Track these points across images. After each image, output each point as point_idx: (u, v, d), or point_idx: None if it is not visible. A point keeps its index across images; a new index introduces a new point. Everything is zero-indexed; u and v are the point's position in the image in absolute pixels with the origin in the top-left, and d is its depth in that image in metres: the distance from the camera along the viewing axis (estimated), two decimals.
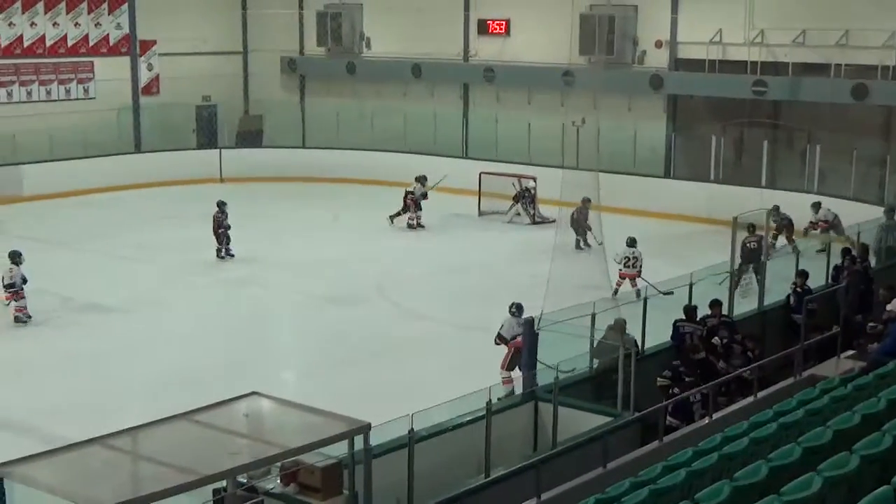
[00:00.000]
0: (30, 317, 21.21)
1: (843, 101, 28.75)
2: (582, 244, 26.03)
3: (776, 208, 24.82)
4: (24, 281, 21.21)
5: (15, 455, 9.59)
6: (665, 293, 17.45)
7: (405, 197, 29.75)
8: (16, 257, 21.44)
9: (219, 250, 25.64)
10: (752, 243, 21.77)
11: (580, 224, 25.75)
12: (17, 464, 9.43)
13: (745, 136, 31.90)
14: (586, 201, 24.58)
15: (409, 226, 29.49)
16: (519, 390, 15.74)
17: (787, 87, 29.73)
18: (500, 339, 17.27)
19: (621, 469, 11.50)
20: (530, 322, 15.44)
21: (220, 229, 25.62)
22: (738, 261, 19.59)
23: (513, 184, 30.87)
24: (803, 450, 9.24)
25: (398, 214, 29.73)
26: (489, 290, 23.55)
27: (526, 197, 30.44)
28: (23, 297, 21.22)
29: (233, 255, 25.74)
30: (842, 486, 8.21)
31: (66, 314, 21.86)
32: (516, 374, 16.48)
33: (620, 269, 22.44)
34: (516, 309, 17.26)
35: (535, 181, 30.39)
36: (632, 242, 22.88)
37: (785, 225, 25.69)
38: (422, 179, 29.73)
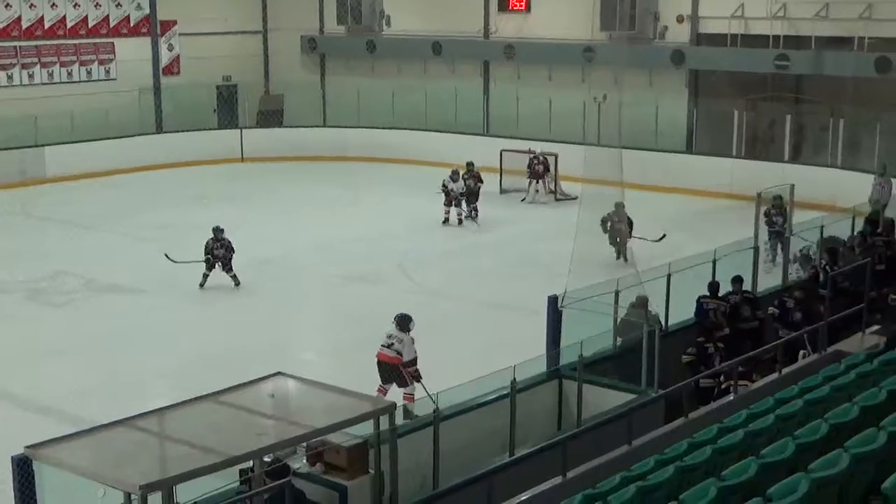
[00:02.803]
0: None
1: (867, 74, 28.57)
2: (623, 257, 22.64)
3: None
4: None
5: (42, 437, 9.64)
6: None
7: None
8: None
9: (205, 276, 22.20)
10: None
11: (619, 233, 22.79)
12: (44, 446, 9.48)
13: (768, 111, 31.73)
14: (620, 206, 22.02)
15: (459, 221, 27.46)
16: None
17: (810, 60, 29.53)
18: None
19: (647, 446, 11.47)
20: (554, 300, 15.40)
21: (208, 256, 22.23)
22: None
23: (529, 163, 30.45)
24: (830, 426, 9.20)
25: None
26: (512, 267, 23.55)
27: (535, 164, 30.12)
28: None
29: (238, 284, 22.43)
30: (869, 461, 8.18)
31: (90, 295, 21.96)
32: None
33: None
34: (397, 322, 15.55)
35: (555, 157, 30.29)
36: None
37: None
38: (455, 175, 27.49)
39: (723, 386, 13.88)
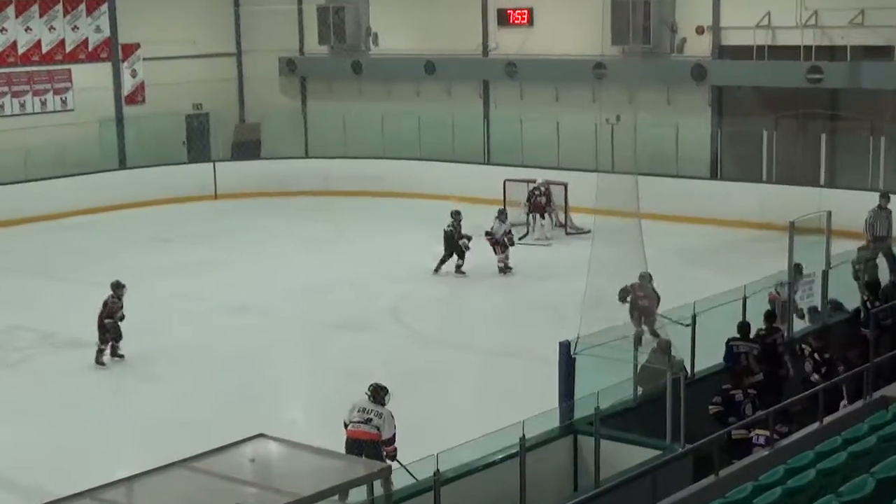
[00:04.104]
0: None
1: None
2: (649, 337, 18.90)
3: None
4: None
5: None
6: None
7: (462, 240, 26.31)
8: None
9: (100, 351, 20.62)
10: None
11: (643, 311, 20.07)
12: None
13: (801, 130, 31.81)
14: (645, 278, 19.40)
15: (500, 270, 26.36)
16: None
17: (846, 73, 29.62)
18: None
19: None
20: (566, 346, 15.39)
21: (110, 319, 20.64)
22: None
23: (529, 196, 30.38)
24: (877, 482, 9.19)
25: (448, 259, 26.44)
26: (518, 311, 23.56)
27: (536, 195, 30.08)
28: None
29: (122, 356, 20.89)
30: None
31: (48, 352, 21.90)
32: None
33: None
34: (371, 392, 14.78)
35: (565, 187, 30.34)
36: None
37: None
38: (502, 216, 26.77)
39: (754, 438, 13.83)
